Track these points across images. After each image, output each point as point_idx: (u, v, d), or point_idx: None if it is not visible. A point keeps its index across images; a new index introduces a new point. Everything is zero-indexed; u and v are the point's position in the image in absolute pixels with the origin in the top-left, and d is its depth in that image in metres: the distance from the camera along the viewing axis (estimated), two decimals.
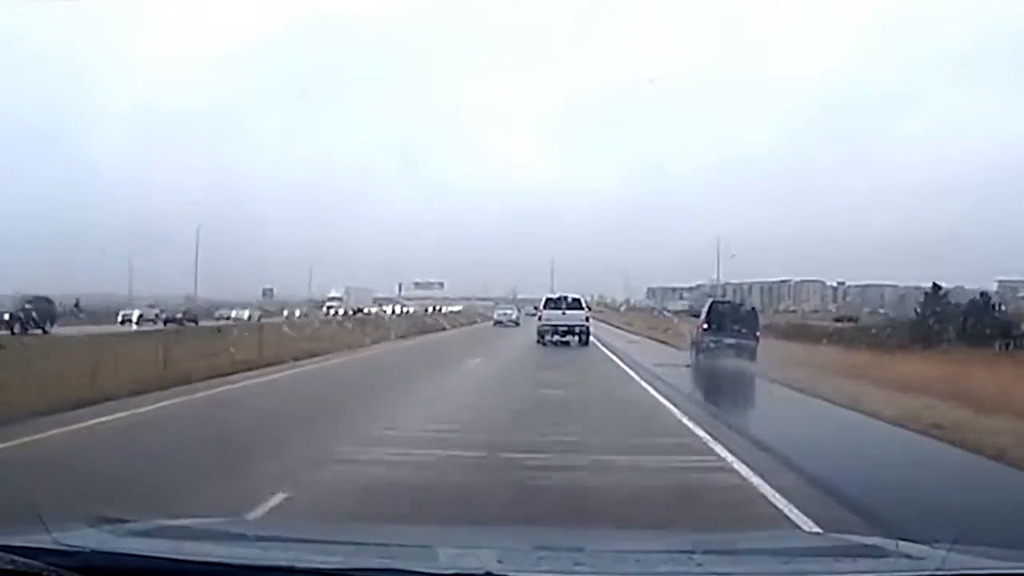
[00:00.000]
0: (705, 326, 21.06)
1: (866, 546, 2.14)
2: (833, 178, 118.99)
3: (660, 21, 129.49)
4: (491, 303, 78.75)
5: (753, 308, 24.39)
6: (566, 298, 30.19)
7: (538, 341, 28.60)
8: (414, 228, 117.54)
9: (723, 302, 24.98)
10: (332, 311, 57.83)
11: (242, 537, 2.29)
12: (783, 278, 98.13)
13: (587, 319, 30.01)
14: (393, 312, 61.97)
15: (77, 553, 1.74)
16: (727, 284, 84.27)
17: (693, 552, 2.18)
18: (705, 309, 22.18)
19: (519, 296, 68.40)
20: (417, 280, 77.92)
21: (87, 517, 1.84)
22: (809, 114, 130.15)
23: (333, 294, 67.30)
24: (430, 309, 70.71)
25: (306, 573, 1.80)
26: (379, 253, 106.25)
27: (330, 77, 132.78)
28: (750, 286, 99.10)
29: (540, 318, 30.12)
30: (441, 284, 77.77)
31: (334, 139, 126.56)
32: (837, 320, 50.67)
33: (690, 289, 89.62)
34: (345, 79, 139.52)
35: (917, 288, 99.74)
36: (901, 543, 2.06)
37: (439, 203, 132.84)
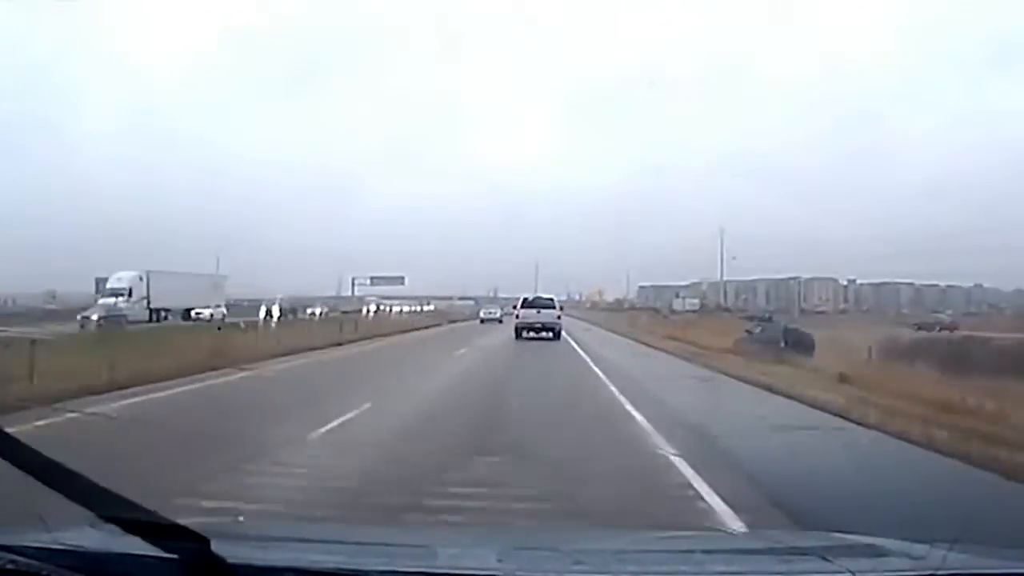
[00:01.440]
0: (783, 344, 24.30)
1: (866, 546, 2.13)
2: (842, 172, 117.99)
3: (660, 12, 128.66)
4: (471, 302, 77.40)
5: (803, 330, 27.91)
6: (540, 298, 33.59)
7: (516, 337, 30.74)
8: (392, 226, 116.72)
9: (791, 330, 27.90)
10: (84, 318, 34.83)
11: (242, 537, 2.30)
12: (791, 275, 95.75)
13: (559, 317, 32.85)
14: (269, 314, 36.91)
15: (77, 553, 1.76)
16: (729, 282, 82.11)
17: (692, 552, 2.18)
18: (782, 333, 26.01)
19: (500, 295, 65.69)
20: (373, 275, 67.33)
21: (87, 517, 1.86)
22: (816, 107, 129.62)
23: (115, 284, 41.50)
24: (368, 311, 53.89)
25: (306, 573, 1.81)
26: (350, 250, 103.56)
27: (310, 71, 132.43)
28: (754, 283, 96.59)
29: (517, 316, 32.92)
30: (402, 279, 67.13)
31: (314, 132, 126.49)
32: None
33: (686, 287, 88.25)
34: (328, 72, 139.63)
35: (934, 286, 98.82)
36: (901, 542, 2.06)
37: (417, 201, 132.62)
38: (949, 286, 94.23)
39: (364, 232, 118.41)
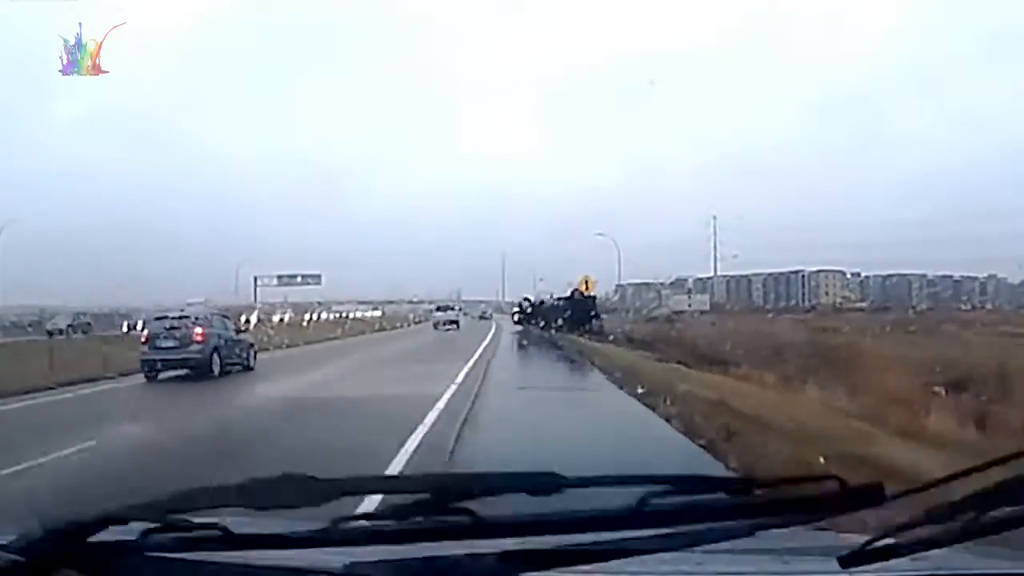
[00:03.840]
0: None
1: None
2: (848, 156, 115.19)
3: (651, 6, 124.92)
4: (430, 306, 76.44)
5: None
6: (447, 304, 56.82)
7: (434, 327, 49.46)
8: (354, 226, 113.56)
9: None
10: None
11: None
12: (794, 268, 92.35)
13: (458, 315, 54.43)
14: None
15: (77, 553, 1.77)
16: (720, 277, 78.98)
17: (692, 551, 2.17)
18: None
19: (464, 298, 61.82)
20: (280, 273, 56.94)
21: (87, 516, 1.86)
22: (811, 93, 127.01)
23: None
24: (241, 321, 31.25)
25: (306, 572, 1.81)
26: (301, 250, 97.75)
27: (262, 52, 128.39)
28: (749, 279, 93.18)
29: (435, 317, 54.12)
30: (317, 277, 57.79)
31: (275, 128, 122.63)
32: None
33: (670, 284, 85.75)
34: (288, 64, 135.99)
35: (947, 277, 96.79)
36: None
37: (385, 201, 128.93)
38: (965, 277, 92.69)
39: (309, 233, 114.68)
